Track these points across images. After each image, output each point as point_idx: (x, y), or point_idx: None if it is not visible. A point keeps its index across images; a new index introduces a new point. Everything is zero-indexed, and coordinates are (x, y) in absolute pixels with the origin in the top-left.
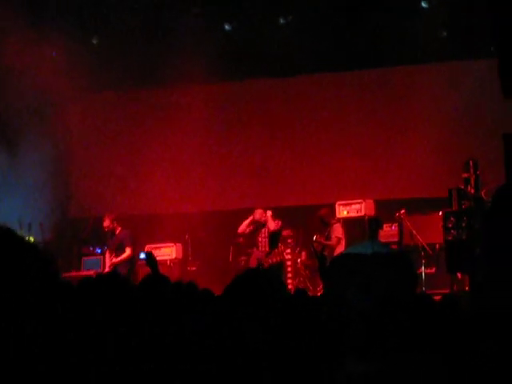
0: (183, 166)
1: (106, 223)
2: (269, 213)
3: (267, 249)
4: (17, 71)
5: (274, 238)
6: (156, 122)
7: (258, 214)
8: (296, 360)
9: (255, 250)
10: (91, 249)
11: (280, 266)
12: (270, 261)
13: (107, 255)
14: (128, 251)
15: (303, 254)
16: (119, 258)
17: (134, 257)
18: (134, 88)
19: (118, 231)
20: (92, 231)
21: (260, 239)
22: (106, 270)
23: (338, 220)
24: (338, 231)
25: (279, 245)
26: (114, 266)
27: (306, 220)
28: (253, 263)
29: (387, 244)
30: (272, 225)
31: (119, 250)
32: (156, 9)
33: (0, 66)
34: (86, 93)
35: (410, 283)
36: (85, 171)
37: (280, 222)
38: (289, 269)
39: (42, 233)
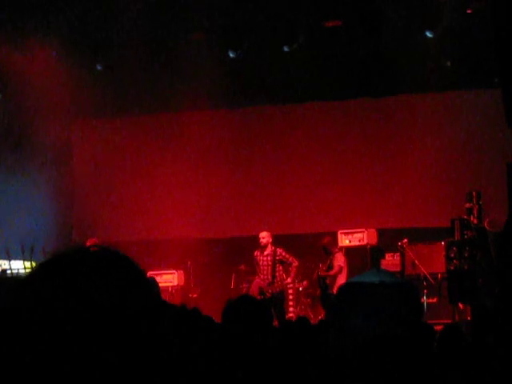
0: (185, 193)
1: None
2: (279, 250)
3: (269, 277)
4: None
5: (276, 266)
6: (159, 148)
7: (263, 237)
8: None
9: (256, 277)
10: None
11: (281, 296)
12: (271, 290)
13: None
14: None
15: (305, 282)
16: None
17: None
18: (138, 114)
19: None
20: None
21: (262, 267)
22: None
23: (340, 249)
24: (340, 260)
25: (281, 273)
26: None
27: (308, 248)
28: (254, 291)
29: (393, 272)
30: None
31: None
32: (160, 36)
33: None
34: (92, 118)
35: (416, 313)
36: (88, 197)
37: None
38: (290, 297)
39: (44, 257)
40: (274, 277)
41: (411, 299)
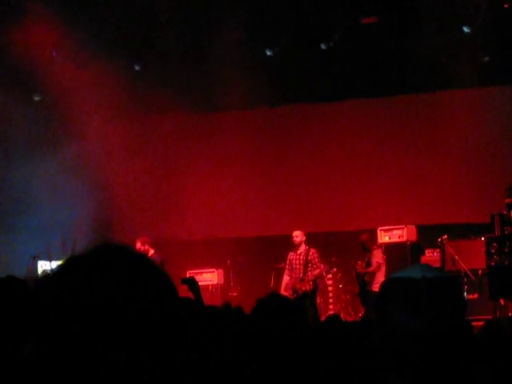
0: (224, 192)
1: (137, 246)
2: (313, 250)
3: (301, 275)
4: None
5: (308, 265)
6: (197, 147)
7: (296, 236)
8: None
9: (285, 277)
10: None
11: (313, 294)
12: (303, 288)
13: None
14: None
15: (344, 279)
16: None
17: None
18: (174, 113)
19: (150, 254)
20: None
21: (294, 266)
22: None
23: (379, 246)
24: (378, 257)
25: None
26: None
27: (347, 245)
28: (284, 289)
29: (436, 267)
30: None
31: None
32: (197, 35)
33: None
34: (129, 117)
35: (460, 309)
36: (126, 197)
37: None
38: (330, 294)
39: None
40: (305, 274)
41: (454, 294)
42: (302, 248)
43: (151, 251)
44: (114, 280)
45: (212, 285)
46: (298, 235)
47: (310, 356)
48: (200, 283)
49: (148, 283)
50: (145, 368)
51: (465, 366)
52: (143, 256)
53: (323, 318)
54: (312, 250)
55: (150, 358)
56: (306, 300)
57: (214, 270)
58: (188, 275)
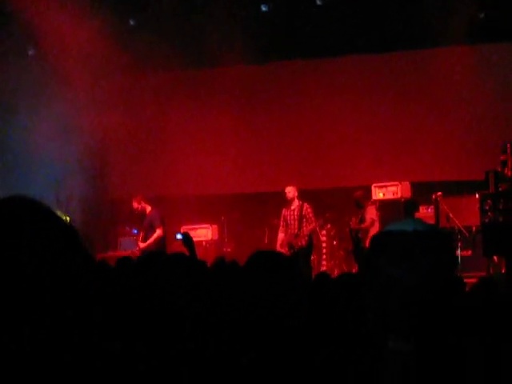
0: (219, 148)
1: (134, 205)
2: (306, 205)
3: (296, 230)
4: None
5: (302, 220)
6: (190, 103)
7: (289, 191)
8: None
9: (280, 233)
10: (128, 229)
11: (309, 249)
12: (299, 243)
13: (140, 236)
14: (158, 231)
15: (338, 235)
16: (148, 242)
17: (164, 237)
18: (168, 69)
19: (148, 211)
20: (129, 212)
21: (289, 222)
22: (137, 254)
23: (373, 202)
24: (372, 213)
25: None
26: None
27: (341, 202)
28: (280, 245)
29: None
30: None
31: (150, 231)
32: None
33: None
34: (118, 72)
35: (452, 263)
36: (122, 152)
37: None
38: (324, 250)
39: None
40: (299, 229)
41: (446, 249)
42: (296, 203)
43: (148, 208)
44: (19, 232)
45: (206, 240)
46: (290, 190)
47: (306, 344)
48: (194, 239)
49: (49, 236)
50: (140, 357)
51: (454, 324)
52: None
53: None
54: (306, 205)
55: (146, 347)
56: (300, 257)
57: (208, 225)
58: (182, 230)
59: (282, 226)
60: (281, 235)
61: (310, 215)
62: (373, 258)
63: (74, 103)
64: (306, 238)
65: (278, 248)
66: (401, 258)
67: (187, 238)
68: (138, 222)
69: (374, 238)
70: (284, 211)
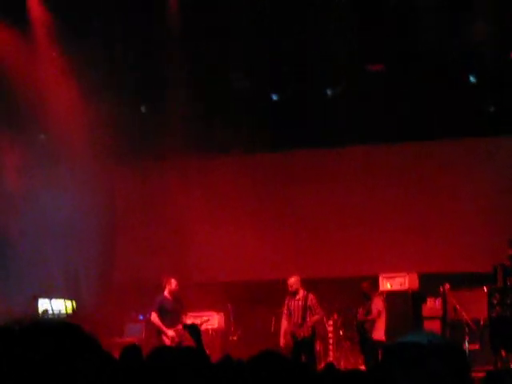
0: (226, 236)
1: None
2: (311, 296)
3: (300, 320)
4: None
5: (307, 311)
6: (198, 190)
7: (292, 284)
8: None
9: (283, 322)
10: (134, 315)
11: (312, 340)
12: (302, 334)
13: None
14: (152, 316)
15: (345, 326)
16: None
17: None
18: (178, 157)
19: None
20: (134, 298)
21: (293, 311)
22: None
23: (380, 293)
24: (378, 304)
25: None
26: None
27: (349, 292)
28: (285, 337)
29: (440, 336)
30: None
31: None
32: (203, 79)
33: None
34: (130, 161)
35: (465, 376)
36: (130, 237)
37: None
38: (330, 341)
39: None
40: (304, 319)
41: (460, 361)
42: (301, 294)
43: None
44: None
45: (212, 329)
46: (292, 284)
47: None
48: (201, 327)
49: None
50: None
51: None
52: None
53: (323, 365)
54: (311, 296)
55: None
56: (303, 348)
57: (214, 313)
58: (188, 317)
59: (286, 315)
60: (284, 323)
61: (316, 306)
62: (386, 370)
63: (86, 187)
64: (310, 328)
65: (282, 337)
66: (416, 370)
67: (194, 329)
68: (143, 307)
69: (388, 349)
70: (288, 300)
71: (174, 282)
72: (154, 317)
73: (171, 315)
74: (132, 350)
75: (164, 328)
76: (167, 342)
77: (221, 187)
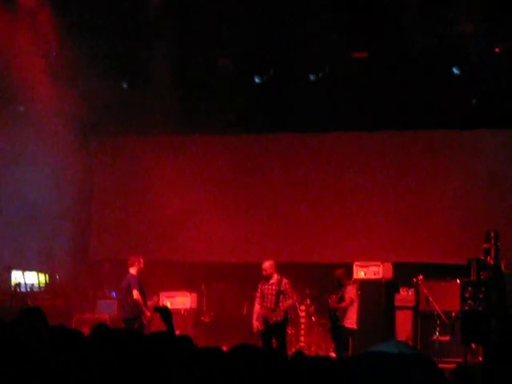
0: (203, 216)
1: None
2: (285, 281)
3: (273, 305)
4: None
5: (280, 296)
6: (176, 169)
7: (266, 269)
8: None
9: (256, 306)
10: (106, 292)
11: (284, 324)
12: (275, 318)
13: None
14: (134, 294)
15: (317, 312)
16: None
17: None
18: (158, 134)
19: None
20: (108, 274)
21: (266, 296)
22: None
23: (354, 281)
24: (351, 292)
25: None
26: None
27: (322, 278)
28: (257, 320)
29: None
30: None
31: (128, 292)
32: (187, 59)
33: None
34: (110, 136)
35: None
36: (104, 215)
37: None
38: (302, 326)
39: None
40: (277, 304)
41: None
42: (274, 278)
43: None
44: None
45: (185, 309)
46: (266, 268)
47: None
48: (172, 306)
49: None
50: None
51: None
52: None
53: (294, 350)
54: (284, 280)
55: None
56: (275, 332)
57: (187, 293)
58: (161, 297)
59: (259, 298)
60: (257, 307)
61: (289, 290)
62: (356, 377)
63: (63, 161)
64: (282, 313)
65: (254, 320)
66: (387, 381)
67: (165, 311)
68: (115, 284)
69: (358, 358)
70: (261, 284)
71: (142, 261)
72: (137, 295)
73: (143, 295)
74: (100, 328)
75: (144, 308)
76: (144, 321)
77: (199, 167)
